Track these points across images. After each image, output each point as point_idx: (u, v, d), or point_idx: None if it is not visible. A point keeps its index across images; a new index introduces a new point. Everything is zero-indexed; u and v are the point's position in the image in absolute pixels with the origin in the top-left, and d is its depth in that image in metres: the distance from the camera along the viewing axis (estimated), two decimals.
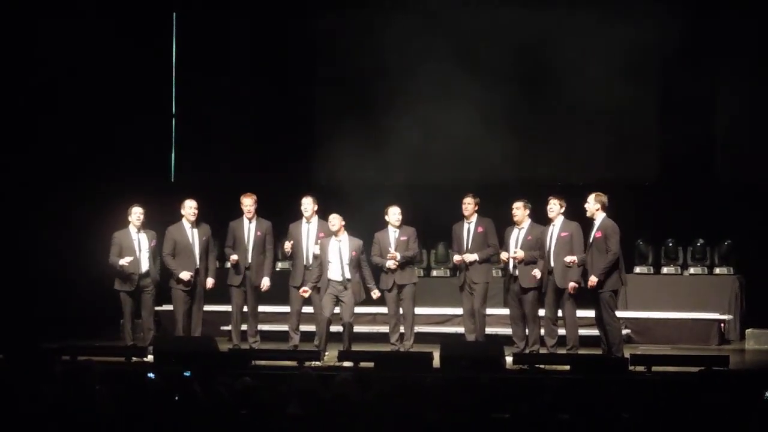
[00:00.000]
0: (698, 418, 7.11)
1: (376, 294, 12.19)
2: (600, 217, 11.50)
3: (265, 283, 12.49)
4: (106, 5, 14.54)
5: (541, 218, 11.99)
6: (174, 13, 16.29)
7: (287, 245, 12.46)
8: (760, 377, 9.94)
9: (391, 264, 12.16)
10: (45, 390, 7.55)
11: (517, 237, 12.00)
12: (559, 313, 11.79)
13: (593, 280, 11.31)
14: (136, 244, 12.27)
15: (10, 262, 13.85)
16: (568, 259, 11.52)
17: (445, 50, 15.06)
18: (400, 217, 12.34)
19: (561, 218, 11.82)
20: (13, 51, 13.99)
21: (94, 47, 14.49)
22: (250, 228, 12.53)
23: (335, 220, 12.03)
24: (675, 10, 14.25)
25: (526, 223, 12.01)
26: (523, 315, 11.94)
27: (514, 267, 11.96)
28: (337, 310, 12.09)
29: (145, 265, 12.28)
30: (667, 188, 15.07)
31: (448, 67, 15.11)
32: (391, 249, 12.23)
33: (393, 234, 12.35)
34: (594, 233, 11.49)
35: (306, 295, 12.15)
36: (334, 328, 12.14)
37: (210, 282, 12.42)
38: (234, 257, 12.40)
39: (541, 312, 11.92)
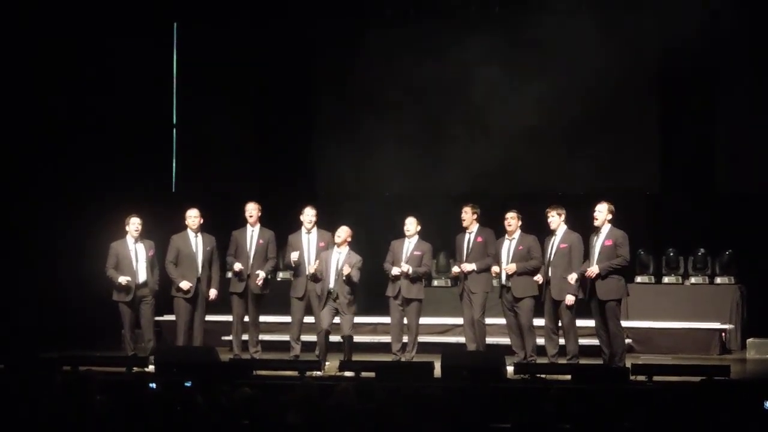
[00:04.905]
0: (699, 427, 7.11)
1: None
2: (607, 226, 11.48)
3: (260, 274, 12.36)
4: (108, 14, 14.54)
5: (544, 229, 11.94)
6: (175, 24, 16.30)
7: (294, 255, 12.38)
8: (761, 387, 9.92)
9: (396, 272, 12.14)
10: (45, 400, 7.55)
11: (508, 248, 11.97)
12: (559, 323, 11.77)
13: (594, 269, 11.27)
14: (132, 254, 12.23)
15: (10, 272, 13.83)
16: (570, 277, 11.48)
17: (444, 59, 15.06)
18: (411, 228, 12.26)
19: (563, 228, 11.76)
20: (13, 59, 13.99)
21: (94, 55, 14.50)
22: (252, 236, 12.50)
23: (342, 233, 12.04)
24: (676, 19, 14.24)
25: (517, 233, 11.99)
26: (519, 324, 11.92)
27: (507, 278, 11.94)
28: (336, 320, 12.08)
29: (142, 276, 12.23)
30: (669, 198, 15.08)
31: (446, 77, 15.11)
32: (403, 261, 12.22)
33: (407, 245, 12.31)
34: (603, 242, 11.43)
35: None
36: (334, 338, 12.13)
37: (213, 293, 12.39)
38: (238, 266, 12.36)
39: (542, 322, 11.89)
